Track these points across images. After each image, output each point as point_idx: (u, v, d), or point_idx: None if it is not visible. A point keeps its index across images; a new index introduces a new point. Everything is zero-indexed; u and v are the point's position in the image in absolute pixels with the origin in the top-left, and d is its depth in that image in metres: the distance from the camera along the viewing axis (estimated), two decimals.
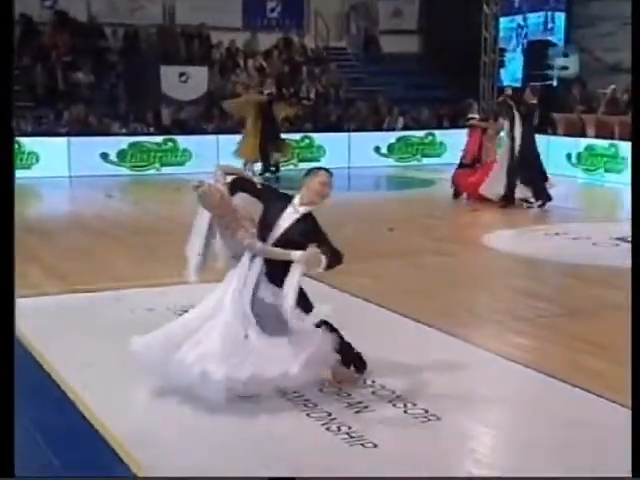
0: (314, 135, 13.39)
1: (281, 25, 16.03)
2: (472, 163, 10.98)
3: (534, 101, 10.21)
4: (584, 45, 15.35)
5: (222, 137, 12.62)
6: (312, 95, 14.88)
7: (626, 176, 11.77)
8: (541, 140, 11.00)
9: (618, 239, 8.13)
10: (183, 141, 12.23)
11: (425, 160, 13.73)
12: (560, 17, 15.63)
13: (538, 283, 6.65)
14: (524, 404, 3.56)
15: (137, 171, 12.05)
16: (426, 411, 3.16)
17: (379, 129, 14.27)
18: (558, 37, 15.63)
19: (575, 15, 15.60)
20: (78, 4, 13.90)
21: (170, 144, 12.21)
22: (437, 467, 2.67)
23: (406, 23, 16.87)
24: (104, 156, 11.69)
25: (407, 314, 4.80)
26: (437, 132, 13.90)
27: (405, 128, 14.14)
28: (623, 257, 7.02)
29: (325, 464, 2.66)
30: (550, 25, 15.89)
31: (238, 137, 11.28)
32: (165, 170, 12.15)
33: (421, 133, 14.21)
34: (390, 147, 13.41)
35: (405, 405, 3.26)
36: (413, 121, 14.72)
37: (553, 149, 12.71)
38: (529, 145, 9.21)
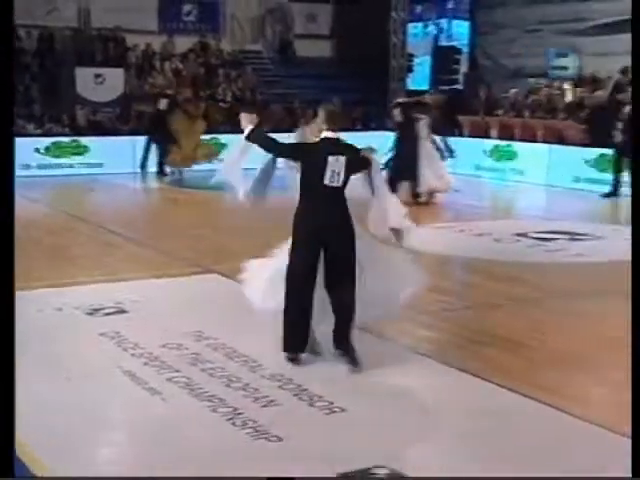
0: (229, 136, 13.02)
1: (197, 29, 16.11)
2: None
3: (428, 102, 10.53)
4: (488, 51, 15.87)
5: (138, 138, 12.54)
6: (228, 97, 14.93)
7: (527, 175, 12.63)
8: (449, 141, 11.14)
9: (519, 235, 8.53)
10: (98, 142, 12.07)
11: None
12: (465, 25, 15.93)
13: (443, 278, 6.68)
14: (428, 394, 3.61)
15: (52, 171, 11.72)
16: (331, 403, 3.19)
17: (293, 130, 14.47)
18: (462, 43, 15.98)
19: (479, 22, 15.98)
20: None
21: (85, 145, 12.05)
22: (340, 458, 2.66)
23: (320, 28, 17.24)
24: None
25: None
26: (347, 134, 14.62)
27: None
28: (524, 252, 7.86)
29: (229, 460, 2.64)
30: (456, 31, 16.22)
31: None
32: (80, 171, 11.92)
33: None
34: None
35: (311, 398, 3.26)
36: None
37: (459, 150, 12.44)
38: (411, 147, 9.42)
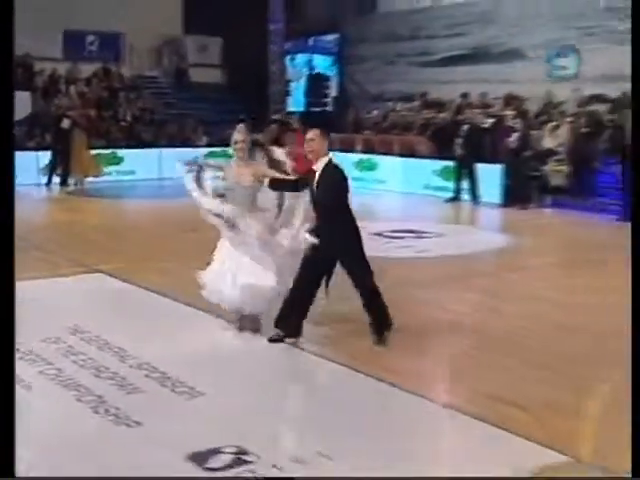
0: (125, 151, 13.92)
1: (100, 56, 16.40)
2: None
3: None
4: (354, 79, 17.10)
5: (41, 153, 13.14)
6: (128, 117, 15.55)
7: (386, 184, 13.80)
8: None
9: (375, 234, 9.05)
10: None
11: None
12: (333, 57, 17.11)
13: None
14: (290, 382, 3.66)
15: None
16: (192, 388, 3.18)
17: (187, 146, 14.75)
18: (332, 72, 17.27)
19: (346, 55, 17.13)
20: None
21: None
22: (194, 440, 2.62)
23: (211, 58, 17.91)
24: None
25: (192, 303, 4.75)
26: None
27: (209, 145, 14.63)
28: (377, 248, 7.94)
29: (88, 446, 2.58)
30: (325, 63, 17.41)
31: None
32: None
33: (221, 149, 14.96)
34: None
35: (174, 385, 3.22)
36: (217, 139, 15.11)
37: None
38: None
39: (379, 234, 9.38)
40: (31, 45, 14.76)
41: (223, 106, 16.29)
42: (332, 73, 17.68)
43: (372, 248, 7.86)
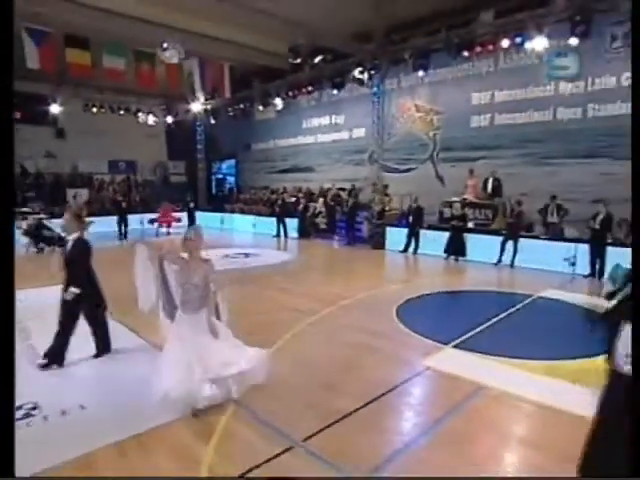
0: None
1: (125, 172, 21.56)
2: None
3: None
4: (241, 178, 23.45)
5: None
6: (138, 199, 19.70)
7: (239, 228, 18.70)
8: None
9: (225, 255, 11.97)
10: None
11: None
12: (233, 168, 23.92)
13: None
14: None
15: None
16: None
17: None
18: (232, 174, 23.84)
19: (238, 168, 23.70)
20: None
21: None
22: None
23: (179, 170, 23.76)
24: None
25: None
26: None
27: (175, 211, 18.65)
28: (227, 262, 10.92)
29: None
30: (230, 170, 24.07)
31: None
32: None
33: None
34: None
35: None
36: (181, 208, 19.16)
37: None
38: None
39: (226, 255, 12.12)
40: (91, 167, 20.75)
41: (185, 194, 20.15)
42: (232, 175, 23.25)
43: (221, 263, 9.93)
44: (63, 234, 4.78)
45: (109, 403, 4.07)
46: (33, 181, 18.96)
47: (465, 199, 12.74)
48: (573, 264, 9.98)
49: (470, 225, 12.14)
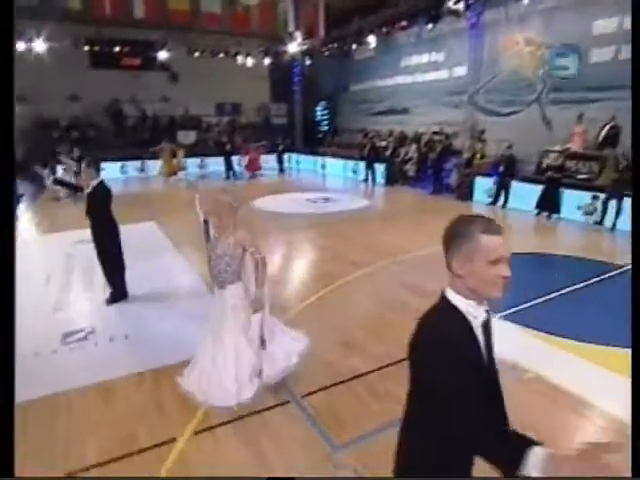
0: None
1: (230, 114, 22.36)
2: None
3: None
4: (340, 120, 22.86)
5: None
6: (240, 140, 19.69)
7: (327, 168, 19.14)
8: None
9: (308, 200, 12.10)
10: None
11: None
12: (328, 109, 23.73)
13: (273, 221, 9.58)
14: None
15: None
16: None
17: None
18: (330, 115, 23.62)
19: (335, 109, 23.33)
20: None
21: None
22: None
23: (281, 112, 23.76)
24: None
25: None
26: None
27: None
28: (308, 206, 11.24)
29: None
30: (325, 111, 23.99)
31: None
32: None
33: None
34: None
35: None
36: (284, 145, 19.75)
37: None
38: None
39: (310, 200, 12.59)
40: (200, 109, 21.18)
41: (286, 132, 22.19)
42: (328, 117, 22.96)
43: (297, 208, 10.54)
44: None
45: (148, 337, 4.57)
46: (151, 124, 20.25)
47: (567, 148, 11.31)
48: None
49: (569, 180, 10.89)
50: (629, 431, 1.89)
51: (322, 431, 3.16)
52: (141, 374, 3.85)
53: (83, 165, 5.28)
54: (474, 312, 1.46)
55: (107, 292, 5.47)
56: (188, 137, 20.80)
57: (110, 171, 16.27)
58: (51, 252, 7.39)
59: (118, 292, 5.49)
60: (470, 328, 1.44)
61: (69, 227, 7.38)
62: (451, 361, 1.32)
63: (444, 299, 1.47)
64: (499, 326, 4.76)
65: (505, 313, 5.07)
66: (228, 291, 3.36)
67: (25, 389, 3.61)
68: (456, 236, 1.46)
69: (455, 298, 1.45)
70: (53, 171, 13.48)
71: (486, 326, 1.51)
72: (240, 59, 20.65)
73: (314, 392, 3.57)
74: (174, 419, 3.31)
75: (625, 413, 3.10)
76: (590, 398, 3.54)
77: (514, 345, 4.35)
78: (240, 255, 3.29)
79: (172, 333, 4.55)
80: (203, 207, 3.74)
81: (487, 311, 1.54)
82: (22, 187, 14.41)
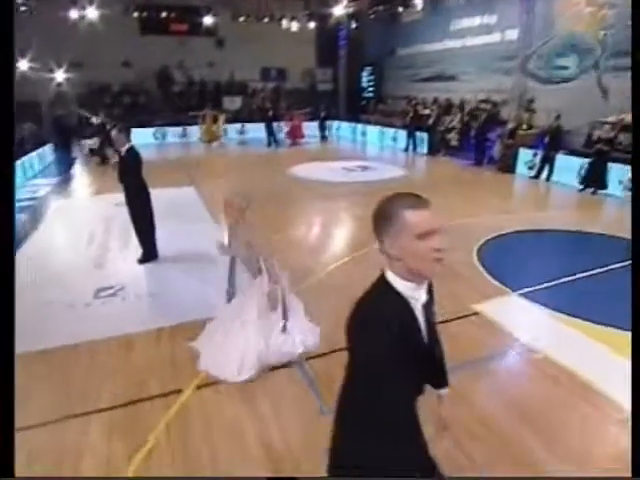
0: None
1: (275, 79, 22.08)
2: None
3: None
4: (383, 87, 23.20)
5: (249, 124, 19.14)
6: (285, 106, 20.20)
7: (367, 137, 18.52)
8: None
9: (345, 169, 12.20)
10: None
11: None
12: (374, 75, 22.90)
13: (308, 190, 9.72)
14: None
15: None
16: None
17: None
18: (374, 82, 22.78)
19: (380, 75, 22.65)
20: None
21: None
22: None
23: (327, 78, 23.46)
24: None
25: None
26: None
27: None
28: (345, 175, 11.22)
29: None
30: (370, 77, 23.40)
31: None
32: None
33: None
34: None
35: None
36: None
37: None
38: None
39: (346, 169, 12.52)
40: (246, 74, 21.09)
41: (330, 99, 22.37)
42: (373, 83, 22.59)
43: (332, 176, 10.49)
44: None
45: (170, 295, 4.87)
46: (198, 90, 20.48)
47: (622, 119, 10.61)
48: None
49: (619, 154, 10.17)
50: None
51: (317, 393, 3.36)
52: (160, 329, 4.14)
53: (114, 132, 5.55)
54: (413, 294, 1.46)
55: (139, 252, 5.73)
56: (234, 103, 20.97)
57: (159, 135, 18.11)
58: (96, 213, 7.98)
59: (149, 252, 5.75)
60: (408, 308, 1.44)
61: (112, 190, 7.85)
62: (384, 339, 1.33)
63: (383, 279, 1.45)
64: (515, 303, 4.86)
65: (525, 290, 5.07)
66: (257, 280, 3.58)
67: (54, 337, 4.07)
68: (383, 217, 1.44)
69: (394, 280, 1.44)
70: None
71: (427, 307, 1.51)
72: (285, 23, 20.38)
73: (319, 356, 3.73)
74: (184, 373, 3.55)
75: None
76: (600, 385, 3.48)
77: (531, 324, 4.42)
78: (253, 253, 3.50)
79: (193, 294, 4.78)
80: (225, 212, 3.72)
81: (430, 292, 1.54)
82: (76, 151, 15.28)
